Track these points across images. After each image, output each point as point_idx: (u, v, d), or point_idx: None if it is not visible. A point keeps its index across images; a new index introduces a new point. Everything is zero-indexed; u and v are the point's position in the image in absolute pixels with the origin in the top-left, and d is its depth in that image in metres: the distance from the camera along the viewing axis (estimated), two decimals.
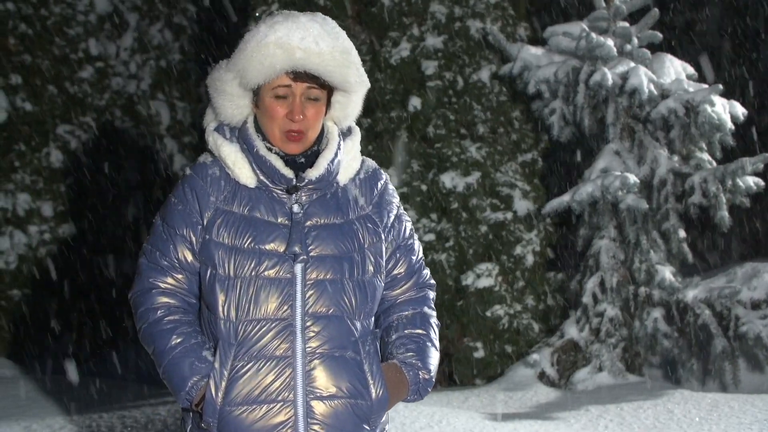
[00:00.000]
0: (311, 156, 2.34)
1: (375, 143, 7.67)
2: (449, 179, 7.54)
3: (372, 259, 2.33)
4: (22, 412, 5.98)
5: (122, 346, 8.70)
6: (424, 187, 7.58)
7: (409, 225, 2.48)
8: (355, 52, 2.33)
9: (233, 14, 9.52)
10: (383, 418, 2.37)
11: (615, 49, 7.24)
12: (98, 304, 8.74)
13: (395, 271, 2.44)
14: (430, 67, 7.66)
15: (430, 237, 7.50)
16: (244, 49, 2.28)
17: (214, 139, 2.35)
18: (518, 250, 7.58)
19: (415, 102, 7.62)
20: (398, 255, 2.44)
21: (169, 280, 2.36)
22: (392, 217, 2.42)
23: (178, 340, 2.29)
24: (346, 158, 2.39)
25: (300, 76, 2.26)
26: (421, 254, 2.51)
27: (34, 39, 8.97)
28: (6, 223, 8.57)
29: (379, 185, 2.43)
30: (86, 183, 8.91)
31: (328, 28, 2.29)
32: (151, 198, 9.08)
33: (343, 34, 2.32)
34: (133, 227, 8.94)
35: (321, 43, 2.25)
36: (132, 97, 9.54)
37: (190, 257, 2.33)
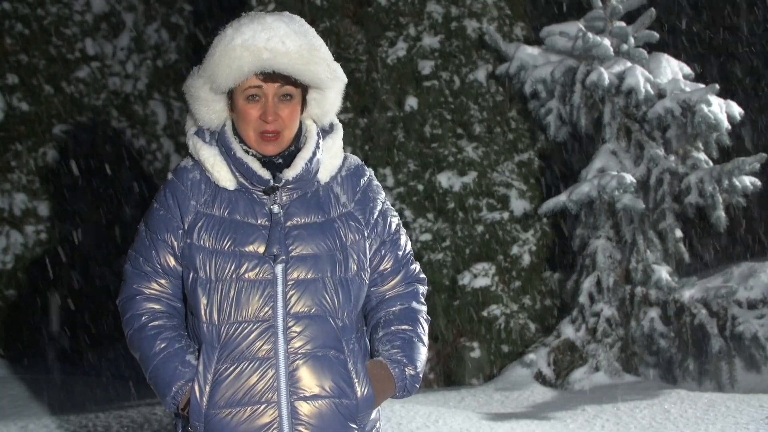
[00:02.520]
0: (289, 156, 2.33)
1: (371, 143, 7.67)
2: (446, 179, 7.54)
3: (355, 256, 2.33)
4: (19, 412, 5.98)
5: (119, 346, 8.69)
6: (420, 187, 7.58)
7: (395, 220, 2.47)
8: (324, 48, 2.32)
9: (230, 13, 9.50)
10: (373, 415, 2.37)
11: (612, 49, 7.24)
12: (94, 304, 8.73)
13: (381, 267, 2.44)
14: (426, 66, 7.66)
15: (427, 237, 7.50)
16: (212, 54, 2.28)
17: (193, 143, 2.36)
18: (515, 249, 7.58)
19: (411, 102, 7.62)
20: (383, 251, 2.43)
21: (153, 285, 2.37)
22: (376, 213, 2.41)
23: (162, 345, 2.31)
24: (327, 156, 2.38)
25: (270, 76, 2.26)
26: (409, 249, 2.50)
27: (31, 39, 8.96)
28: (2, 222, 8.56)
29: (362, 182, 2.42)
30: (82, 183, 8.90)
31: (295, 26, 2.28)
32: (147, 198, 9.06)
33: (311, 31, 2.31)
34: (129, 227, 8.93)
35: (288, 42, 2.23)
36: (129, 96, 9.53)
37: (172, 262, 2.34)
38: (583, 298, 7.20)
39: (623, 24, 7.43)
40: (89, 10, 9.39)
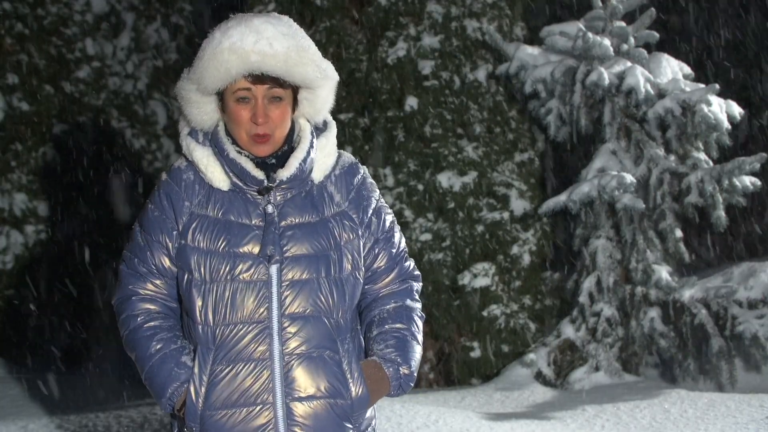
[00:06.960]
0: (282, 156, 2.33)
1: (371, 143, 7.67)
2: (446, 179, 7.54)
3: (349, 256, 2.33)
4: (19, 412, 5.98)
5: (119, 346, 8.69)
6: (420, 187, 7.57)
7: (389, 218, 2.46)
8: (314, 48, 2.31)
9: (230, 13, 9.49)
10: (368, 414, 2.38)
11: (612, 49, 7.24)
12: (95, 304, 8.73)
13: (375, 265, 2.43)
14: (426, 66, 7.66)
15: (427, 237, 7.50)
16: (201, 57, 2.28)
17: (187, 144, 2.37)
18: (515, 249, 7.58)
19: (411, 102, 7.62)
20: (377, 249, 2.43)
21: (149, 286, 2.37)
22: (370, 212, 2.41)
23: (158, 347, 2.31)
24: (321, 155, 2.38)
25: (258, 78, 2.25)
26: (403, 246, 2.50)
27: (31, 38, 8.96)
28: (2, 222, 8.56)
29: (356, 180, 2.41)
30: (83, 183, 8.90)
31: (283, 28, 2.27)
32: (147, 198, 9.05)
33: (300, 32, 2.30)
34: (129, 227, 8.92)
35: (275, 44, 2.23)
36: (129, 96, 9.52)
37: (167, 263, 2.35)
38: (583, 298, 7.20)
39: (623, 24, 7.44)
40: (89, 10, 9.38)
